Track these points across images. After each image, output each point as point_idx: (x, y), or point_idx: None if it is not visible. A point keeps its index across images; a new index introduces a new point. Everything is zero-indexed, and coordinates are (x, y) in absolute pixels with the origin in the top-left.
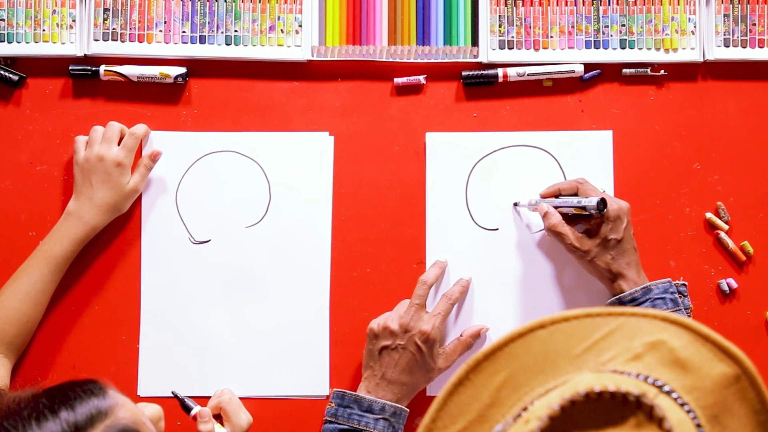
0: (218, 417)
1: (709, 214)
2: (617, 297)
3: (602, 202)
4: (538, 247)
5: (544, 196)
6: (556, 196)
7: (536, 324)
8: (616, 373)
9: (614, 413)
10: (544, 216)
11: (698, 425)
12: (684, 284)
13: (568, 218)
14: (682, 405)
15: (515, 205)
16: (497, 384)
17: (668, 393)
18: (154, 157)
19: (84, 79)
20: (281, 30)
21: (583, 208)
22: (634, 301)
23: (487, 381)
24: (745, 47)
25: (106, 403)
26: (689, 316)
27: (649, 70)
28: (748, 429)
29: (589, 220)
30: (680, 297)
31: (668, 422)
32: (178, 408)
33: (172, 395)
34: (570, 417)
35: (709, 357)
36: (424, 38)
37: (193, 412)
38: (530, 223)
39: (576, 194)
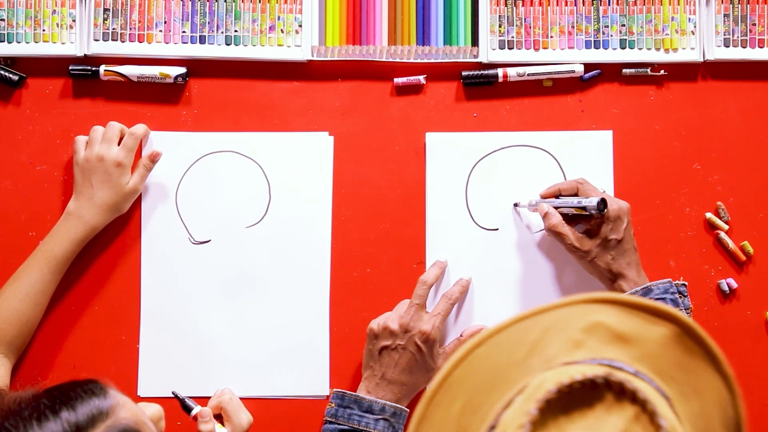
0: (219, 417)
1: (709, 214)
2: None
3: (602, 203)
4: (538, 247)
5: (544, 197)
6: (557, 197)
7: (474, 344)
8: (566, 365)
9: (585, 400)
10: (545, 216)
11: (657, 389)
12: (684, 284)
13: (569, 218)
14: (636, 375)
15: (515, 205)
16: (456, 412)
17: (621, 368)
18: (154, 158)
19: (84, 79)
20: (281, 30)
21: (584, 208)
22: None
23: (445, 413)
24: (745, 47)
25: (107, 403)
26: (689, 316)
27: (649, 70)
28: (709, 380)
29: (590, 221)
30: (680, 297)
31: (642, 393)
32: (178, 408)
33: (173, 395)
34: (545, 416)
35: (645, 324)
36: (424, 38)
37: (193, 412)
38: (530, 224)
39: (576, 194)
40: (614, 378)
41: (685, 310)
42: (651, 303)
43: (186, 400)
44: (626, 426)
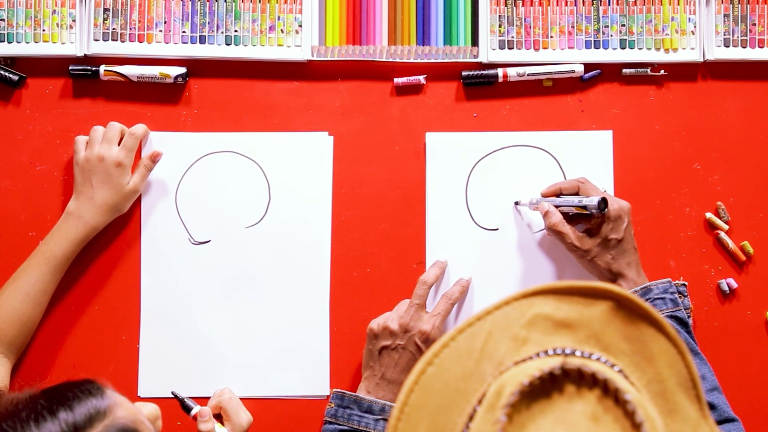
0: (218, 417)
1: (709, 214)
2: None
3: (603, 202)
4: (538, 247)
5: (545, 195)
6: (557, 196)
7: (423, 365)
8: (518, 364)
9: (546, 394)
10: (545, 215)
11: (612, 366)
12: (684, 284)
13: (570, 218)
14: (589, 357)
15: (516, 204)
16: None
17: (572, 353)
18: (155, 158)
19: (84, 79)
20: (281, 30)
21: (584, 207)
22: None
23: None
24: (745, 47)
25: (105, 403)
26: (689, 316)
27: (649, 70)
28: (656, 344)
29: (590, 220)
30: (680, 297)
31: (601, 373)
32: (178, 408)
33: (172, 396)
34: (512, 419)
35: (581, 306)
36: (424, 38)
37: (193, 412)
38: (531, 222)
39: (577, 193)
40: (571, 365)
41: (685, 309)
42: (582, 284)
43: (185, 399)
44: (593, 409)
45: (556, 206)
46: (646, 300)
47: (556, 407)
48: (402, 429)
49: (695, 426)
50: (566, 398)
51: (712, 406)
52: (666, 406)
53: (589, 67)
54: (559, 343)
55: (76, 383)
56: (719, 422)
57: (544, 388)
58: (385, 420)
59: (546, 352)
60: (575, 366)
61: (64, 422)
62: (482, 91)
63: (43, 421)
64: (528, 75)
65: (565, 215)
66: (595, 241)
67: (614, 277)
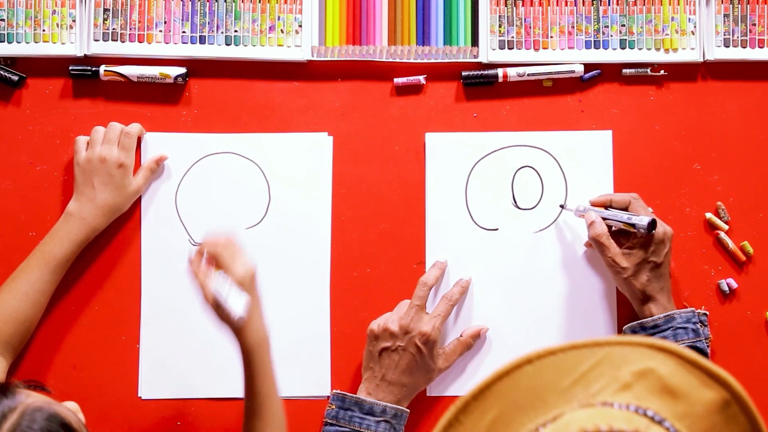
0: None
1: (709, 214)
2: (639, 322)
3: (653, 223)
4: (538, 247)
5: (594, 204)
6: (606, 207)
7: (523, 360)
8: (606, 405)
9: None
10: (590, 225)
11: None
12: (705, 314)
13: (611, 233)
14: None
15: (561, 207)
16: (487, 423)
17: (660, 422)
18: (160, 161)
19: (84, 79)
20: (281, 30)
21: (633, 225)
22: (656, 327)
23: (477, 421)
24: (745, 47)
25: (15, 400)
26: (708, 345)
27: (649, 70)
28: None
29: (629, 238)
30: (701, 326)
31: None
32: (178, 408)
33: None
34: None
35: (698, 383)
36: (424, 38)
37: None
38: (574, 229)
39: (626, 209)
40: None
41: (705, 339)
42: (709, 364)
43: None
44: None
45: (604, 218)
46: (668, 328)
47: None
48: (473, 408)
49: None
50: None
51: None
52: None
53: (589, 67)
54: (656, 407)
55: None
56: None
57: None
58: (387, 422)
59: (637, 409)
60: None
61: None
62: (482, 91)
63: None
64: (528, 75)
65: (609, 229)
66: (635, 261)
67: (646, 299)
